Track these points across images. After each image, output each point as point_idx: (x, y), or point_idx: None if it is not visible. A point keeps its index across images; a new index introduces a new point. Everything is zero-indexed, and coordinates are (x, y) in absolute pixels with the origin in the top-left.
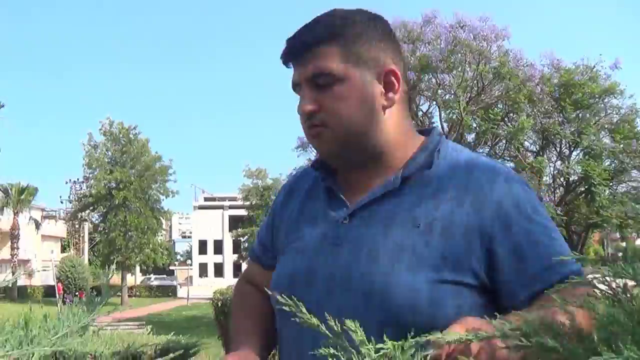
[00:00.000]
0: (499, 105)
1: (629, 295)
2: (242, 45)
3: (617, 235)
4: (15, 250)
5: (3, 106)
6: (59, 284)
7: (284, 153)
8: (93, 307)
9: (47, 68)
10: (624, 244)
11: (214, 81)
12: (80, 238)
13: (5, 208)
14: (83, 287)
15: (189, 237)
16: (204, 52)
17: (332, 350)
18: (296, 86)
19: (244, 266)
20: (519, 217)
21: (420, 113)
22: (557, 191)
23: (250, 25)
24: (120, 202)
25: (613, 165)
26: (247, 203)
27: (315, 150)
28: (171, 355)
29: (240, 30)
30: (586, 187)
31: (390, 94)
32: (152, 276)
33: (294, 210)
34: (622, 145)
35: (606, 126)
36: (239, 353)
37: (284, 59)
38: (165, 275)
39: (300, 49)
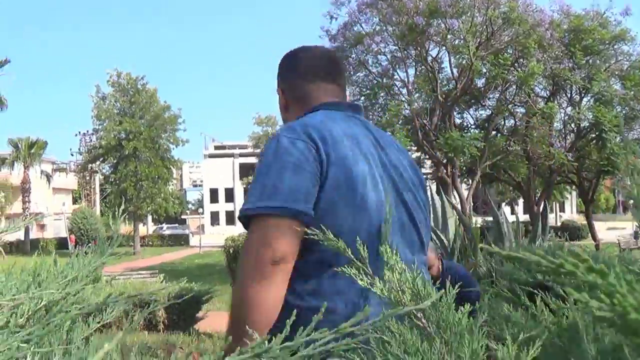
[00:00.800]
0: (508, 51)
1: None
2: None
3: (628, 182)
4: (27, 204)
5: (9, 62)
6: (72, 236)
7: None
8: (102, 251)
9: (54, 22)
10: (635, 191)
11: (222, 29)
12: (92, 189)
13: (15, 162)
14: (95, 238)
15: (200, 185)
16: (211, 1)
17: None
18: None
19: None
20: None
21: (429, 58)
22: (568, 137)
23: None
24: (131, 152)
25: (624, 112)
26: (258, 150)
27: None
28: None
29: None
30: (597, 133)
31: (282, 99)
32: (164, 225)
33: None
34: (632, 92)
35: (617, 73)
36: None
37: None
38: (177, 224)
39: None
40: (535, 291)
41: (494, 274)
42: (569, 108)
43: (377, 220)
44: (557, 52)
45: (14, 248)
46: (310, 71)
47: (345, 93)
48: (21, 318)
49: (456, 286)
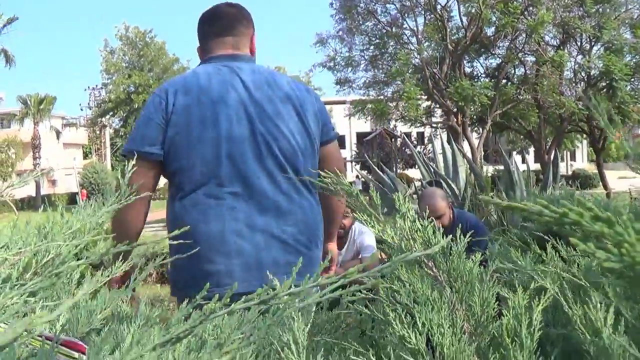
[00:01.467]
0: None
1: None
2: None
3: (639, 131)
4: (37, 160)
5: (17, 19)
6: (83, 190)
7: (302, 50)
8: (109, 202)
9: None
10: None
11: None
12: (102, 144)
13: (25, 119)
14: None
15: None
16: None
17: None
18: None
19: None
20: None
21: (439, 7)
22: (579, 86)
23: None
24: (140, 105)
25: (634, 60)
26: None
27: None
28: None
29: None
30: (607, 81)
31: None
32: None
33: None
34: None
35: (627, 21)
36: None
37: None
38: None
39: None
40: (546, 238)
41: (505, 222)
42: (579, 57)
43: (213, 153)
44: (567, 0)
45: (25, 204)
46: (208, 30)
47: (246, 39)
48: (28, 273)
49: (467, 235)
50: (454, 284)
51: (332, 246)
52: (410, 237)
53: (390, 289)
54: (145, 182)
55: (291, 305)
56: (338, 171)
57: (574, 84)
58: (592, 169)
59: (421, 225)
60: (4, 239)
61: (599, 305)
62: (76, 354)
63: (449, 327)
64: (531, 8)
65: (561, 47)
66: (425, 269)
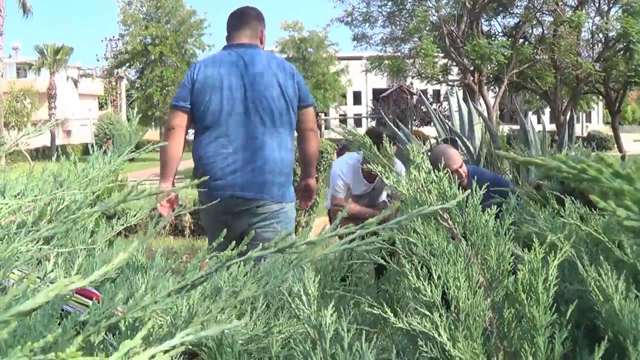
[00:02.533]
0: None
1: None
2: None
3: None
4: (53, 110)
5: None
6: (108, 142)
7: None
8: (122, 151)
9: None
10: None
11: None
12: (118, 95)
13: (41, 69)
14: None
15: None
16: None
17: None
18: None
19: None
20: None
21: None
22: (596, 47)
23: None
24: (157, 57)
25: None
26: (284, 55)
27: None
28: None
29: None
30: (625, 44)
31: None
32: (190, 131)
33: None
34: None
35: None
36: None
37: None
38: None
39: None
40: (564, 196)
41: (520, 182)
42: (597, 18)
43: (217, 109)
44: None
45: (39, 154)
46: (231, 24)
47: (256, 32)
48: (43, 220)
49: (483, 187)
50: (470, 237)
51: (311, 181)
52: (425, 188)
53: (406, 241)
54: (181, 123)
55: (308, 255)
56: (311, 129)
57: (591, 45)
58: (607, 131)
59: (436, 176)
60: (20, 186)
61: (610, 272)
62: (90, 302)
63: (464, 281)
64: None
65: (579, 8)
66: (441, 222)
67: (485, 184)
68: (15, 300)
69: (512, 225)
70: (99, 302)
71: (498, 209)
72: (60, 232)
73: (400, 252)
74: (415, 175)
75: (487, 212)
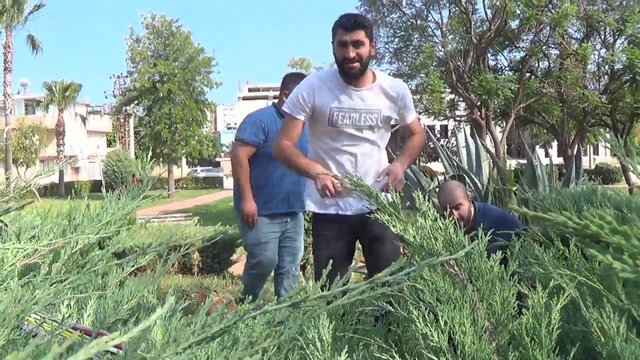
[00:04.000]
0: None
1: None
2: None
3: None
4: (61, 147)
5: (44, 5)
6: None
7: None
8: (135, 195)
9: None
10: None
11: None
12: (126, 132)
13: (50, 105)
14: (127, 179)
15: (234, 128)
16: None
17: None
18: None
19: None
20: None
21: (463, 0)
22: (602, 79)
23: None
24: (165, 94)
25: None
26: None
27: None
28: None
29: None
30: (631, 75)
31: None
32: (198, 168)
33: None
34: None
35: None
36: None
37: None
38: (211, 167)
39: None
40: (569, 236)
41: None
42: (603, 50)
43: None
44: None
45: (48, 191)
46: (292, 84)
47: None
48: (57, 261)
49: (489, 233)
50: (476, 282)
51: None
52: (431, 235)
53: (414, 287)
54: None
55: (321, 307)
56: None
57: (597, 78)
58: (614, 163)
59: (442, 224)
60: (34, 229)
61: (612, 314)
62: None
63: (470, 326)
64: (555, 1)
65: (585, 40)
66: (447, 268)
67: (491, 230)
68: (43, 349)
69: (517, 268)
70: (119, 348)
71: (503, 254)
72: (83, 283)
73: (408, 298)
74: (421, 223)
75: (492, 257)
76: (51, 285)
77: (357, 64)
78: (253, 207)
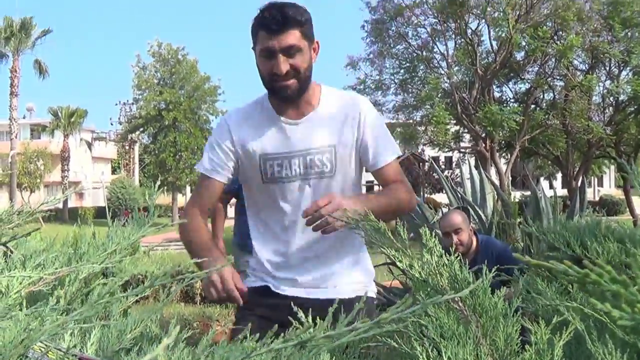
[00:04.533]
0: (547, 24)
1: None
2: None
3: None
4: (66, 172)
5: (51, 31)
6: (126, 211)
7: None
8: (141, 225)
9: None
10: None
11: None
12: (131, 159)
13: (55, 131)
14: (132, 207)
15: None
16: None
17: None
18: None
19: None
20: None
21: (469, 31)
22: (607, 111)
23: None
24: (170, 122)
25: None
26: None
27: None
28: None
29: None
30: (636, 107)
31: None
32: None
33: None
34: None
35: None
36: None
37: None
38: None
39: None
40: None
41: (532, 250)
42: (608, 81)
43: None
44: (595, 25)
45: (52, 217)
46: None
47: None
48: (61, 289)
49: (493, 269)
50: (479, 319)
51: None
52: (437, 272)
53: (418, 323)
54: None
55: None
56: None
57: (602, 109)
58: (619, 194)
59: (448, 260)
60: (40, 257)
61: (614, 351)
62: None
63: None
64: (560, 32)
65: (590, 72)
66: (452, 303)
67: (495, 267)
68: None
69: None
70: None
71: (506, 289)
72: (91, 315)
73: (412, 334)
74: (427, 259)
75: (497, 293)
76: (59, 315)
77: (292, 81)
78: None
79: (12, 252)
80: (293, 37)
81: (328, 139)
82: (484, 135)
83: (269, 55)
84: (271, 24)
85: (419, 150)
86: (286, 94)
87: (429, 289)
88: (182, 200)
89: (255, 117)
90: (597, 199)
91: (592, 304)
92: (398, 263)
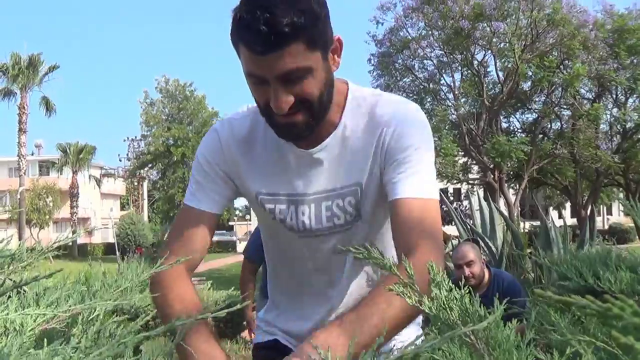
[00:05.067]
0: (553, 53)
1: None
2: None
3: None
4: (75, 208)
5: (58, 67)
6: (140, 248)
7: None
8: (153, 262)
9: (102, 27)
10: None
11: None
12: (139, 195)
13: (64, 167)
14: (142, 243)
15: None
16: None
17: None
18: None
19: None
20: None
21: (475, 62)
22: (614, 139)
23: None
24: (179, 158)
25: None
26: None
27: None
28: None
29: None
30: None
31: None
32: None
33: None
34: None
35: None
36: None
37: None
38: (224, 231)
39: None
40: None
41: (543, 281)
42: (615, 109)
43: None
44: (601, 53)
45: (61, 253)
46: None
47: None
48: (75, 328)
49: (504, 301)
50: (492, 352)
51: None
52: (447, 306)
53: (432, 358)
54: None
55: None
56: None
57: (609, 137)
58: (628, 222)
59: (458, 294)
60: (53, 293)
61: None
62: None
63: None
64: (567, 61)
65: (597, 100)
66: (464, 337)
67: (506, 299)
68: None
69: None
70: None
71: (518, 321)
72: (110, 355)
73: None
74: (436, 294)
75: (509, 326)
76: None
77: (301, 116)
78: None
79: (25, 291)
80: (292, 57)
81: (353, 175)
82: (492, 166)
83: (259, 82)
84: (254, 43)
85: None
86: (292, 135)
87: (439, 324)
88: None
89: (253, 137)
90: (606, 227)
91: (615, 338)
92: (407, 299)
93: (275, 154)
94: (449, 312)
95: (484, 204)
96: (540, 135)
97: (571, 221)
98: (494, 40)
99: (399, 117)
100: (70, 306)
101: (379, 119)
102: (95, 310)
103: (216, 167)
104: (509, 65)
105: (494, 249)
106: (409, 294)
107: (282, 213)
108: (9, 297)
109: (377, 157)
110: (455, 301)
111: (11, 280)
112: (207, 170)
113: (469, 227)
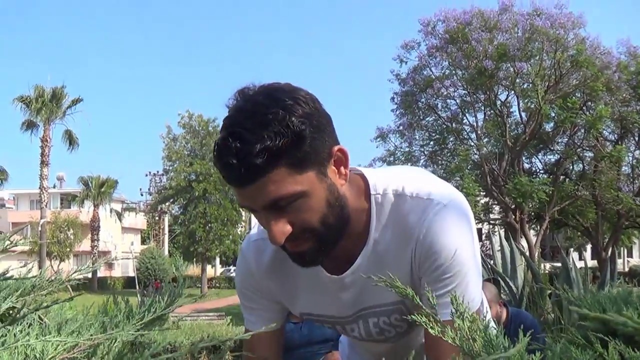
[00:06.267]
0: (576, 94)
1: None
2: (314, 38)
3: None
4: (96, 242)
5: (82, 100)
6: (157, 282)
7: (362, 143)
8: (174, 296)
9: (126, 61)
10: None
11: (290, 69)
12: (160, 230)
13: (85, 200)
14: (162, 278)
15: None
16: (283, 41)
17: None
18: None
19: None
20: None
21: (498, 102)
22: (636, 181)
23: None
24: (200, 194)
25: None
26: None
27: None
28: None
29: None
30: None
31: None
32: (232, 267)
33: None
34: None
35: None
36: None
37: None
38: None
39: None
40: (607, 338)
41: (562, 322)
42: (637, 151)
43: None
44: (624, 95)
45: (80, 285)
46: None
47: None
48: (94, 357)
49: (527, 335)
50: None
51: None
52: (470, 337)
53: None
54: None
55: None
56: None
57: (631, 179)
58: None
59: (481, 324)
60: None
61: None
62: None
63: None
64: (589, 103)
65: (619, 142)
66: None
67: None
68: None
69: None
70: None
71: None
72: None
73: None
74: (459, 324)
75: (532, 358)
76: None
77: (306, 244)
78: None
79: (46, 322)
80: (275, 184)
81: (393, 293)
82: (513, 206)
83: (252, 210)
84: (228, 178)
85: None
86: (305, 263)
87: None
88: (211, 271)
89: (281, 257)
90: (626, 269)
91: None
92: (430, 330)
93: (308, 276)
94: (472, 342)
95: (505, 244)
96: (562, 177)
97: (592, 263)
98: (517, 80)
99: (431, 229)
100: (91, 335)
101: (411, 231)
102: (116, 341)
103: (257, 294)
104: (532, 106)
105: (514, 288)
106: None
107: (333, 328)
108: (30, 324)
109: (414, 272)
110: (478, 332)
111: (32, 310)
112: (250, 296)
113: (489, 266)
